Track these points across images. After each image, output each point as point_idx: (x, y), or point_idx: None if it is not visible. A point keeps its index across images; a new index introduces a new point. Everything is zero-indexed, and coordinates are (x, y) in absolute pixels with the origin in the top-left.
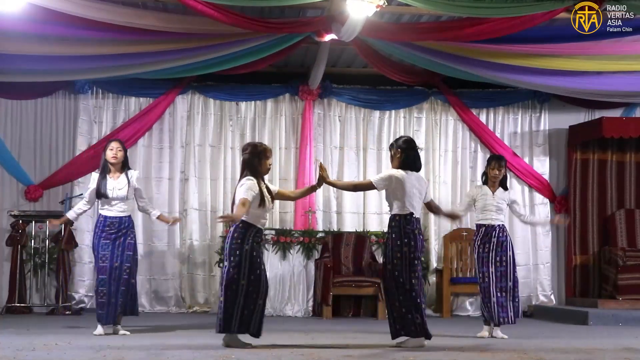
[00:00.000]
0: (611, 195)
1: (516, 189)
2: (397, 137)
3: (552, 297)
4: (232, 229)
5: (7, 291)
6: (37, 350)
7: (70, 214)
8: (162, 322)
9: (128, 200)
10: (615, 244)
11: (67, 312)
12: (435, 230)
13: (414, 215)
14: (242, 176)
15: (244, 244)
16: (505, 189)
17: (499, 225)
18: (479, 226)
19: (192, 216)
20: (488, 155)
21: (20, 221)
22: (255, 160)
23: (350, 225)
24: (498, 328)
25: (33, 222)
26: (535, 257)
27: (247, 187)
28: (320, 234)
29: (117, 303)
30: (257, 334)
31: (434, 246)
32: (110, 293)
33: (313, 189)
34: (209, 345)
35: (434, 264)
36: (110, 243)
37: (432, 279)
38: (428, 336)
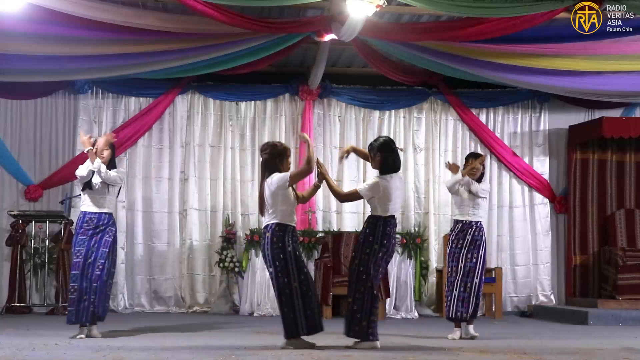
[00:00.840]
0: (611, 195)
1: (516, 189)
2: (376, 138)
3: (552, 297)
4: (268, 233)
5: (7, 291)
6: (37, 350)
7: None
8: (162, 322)
9: (109, 195)
10: (615, 244)
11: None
12: (435, 230)
13: (394, 218)
14: (264, 177)
15: (285, 246)
16: (480, 182)
17: (475, 222)
18: (455, 222)
19: (192, 216)
20: (487, 155)
21: (20, 221)
22: (276, 160)
23: (350, 225)
24: (471, 325)
25: (33, 222)
26: (535, 257)
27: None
28: (320, 234)
29: (90, 301)
30: (321, 328)
31: (434, 246)
32: (82, 290)
33: (316, 187)
34: (209, 345)
35: (434, 263)
36: (87, 239)
37: (432, 279)
38: (367, 338)
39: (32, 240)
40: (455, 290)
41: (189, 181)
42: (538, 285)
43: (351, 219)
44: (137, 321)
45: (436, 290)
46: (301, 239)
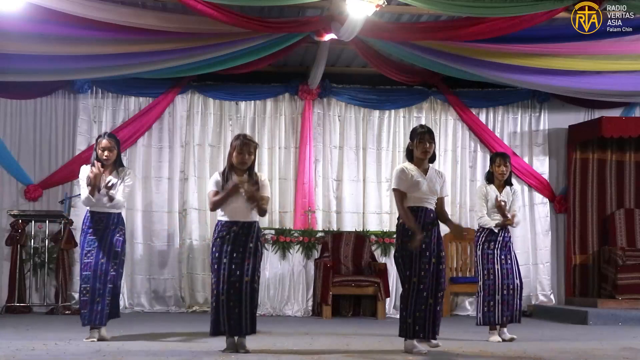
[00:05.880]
0: (610, 194)
1: (516, 189)
2: (421, 125)
3: (552, 296)
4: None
5: (6, 291)
6: (36, 350)
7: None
8: (162, 322)
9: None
10: (614, 244)
11: (67, 312)
12: None
13: (421, 207)
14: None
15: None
16: (511, 185)
17: None
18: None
19: (192, 216)
20: (487, 155)
21: (20, 221)
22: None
23: (350, 224)
24: (505, 328)
25: (33, 221)
26: (535, 257)
27: None
28: (319, 234)
29: (105, 302)
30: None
31: None
32: (95, 291)
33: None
34: (208, 345)
35: None
36: (96, 239)
37: None
38: (414, 336)
39: (32, 240)
40: (498, 294)
41: (189, 181)
42: (538, 285)
43: (351, 218)
44: (137, 321)
45: None
46: (301, 238)
